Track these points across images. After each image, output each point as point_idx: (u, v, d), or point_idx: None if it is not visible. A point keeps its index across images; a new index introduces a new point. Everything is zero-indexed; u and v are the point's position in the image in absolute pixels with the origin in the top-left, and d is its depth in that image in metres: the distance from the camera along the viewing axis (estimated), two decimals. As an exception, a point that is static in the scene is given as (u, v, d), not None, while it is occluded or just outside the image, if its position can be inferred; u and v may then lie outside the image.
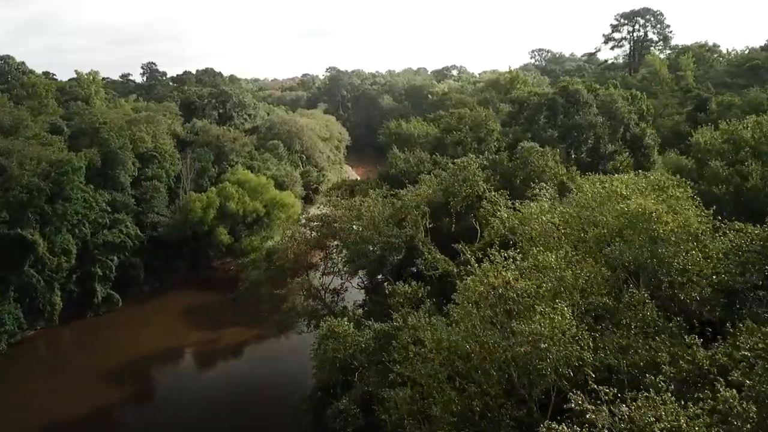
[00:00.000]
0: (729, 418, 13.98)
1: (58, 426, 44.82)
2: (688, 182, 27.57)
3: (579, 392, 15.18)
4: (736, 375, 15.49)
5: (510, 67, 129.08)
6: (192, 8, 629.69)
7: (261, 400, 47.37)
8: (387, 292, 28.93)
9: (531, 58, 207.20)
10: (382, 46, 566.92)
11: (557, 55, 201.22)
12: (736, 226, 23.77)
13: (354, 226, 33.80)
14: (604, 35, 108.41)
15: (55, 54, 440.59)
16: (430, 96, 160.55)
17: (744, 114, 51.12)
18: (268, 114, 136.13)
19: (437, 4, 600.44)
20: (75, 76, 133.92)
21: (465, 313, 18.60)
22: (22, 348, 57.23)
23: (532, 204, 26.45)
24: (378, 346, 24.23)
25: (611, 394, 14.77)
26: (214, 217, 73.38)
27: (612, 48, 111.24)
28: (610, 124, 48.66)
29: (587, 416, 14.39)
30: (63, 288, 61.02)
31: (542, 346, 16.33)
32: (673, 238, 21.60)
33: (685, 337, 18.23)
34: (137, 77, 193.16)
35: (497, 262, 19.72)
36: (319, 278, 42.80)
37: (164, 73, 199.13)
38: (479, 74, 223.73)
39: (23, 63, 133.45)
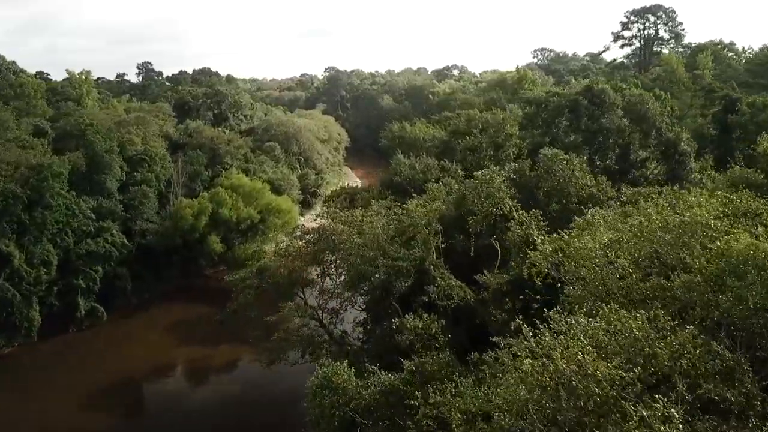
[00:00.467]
0: None
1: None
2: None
3: None
4: None
5: (518, 66, 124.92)
6: (192, 8, 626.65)
7: (252, 428, 43.70)
8: (393, 326, 24.98)
9: (533, 57, 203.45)
10: (381, 45, 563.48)
11: (560, 55, 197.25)
12: None
13: (355, 241, 29.74)
14: (613, 33, 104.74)
15: (55, 54, 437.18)
16: (431, 96, 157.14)
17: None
18: (266, 114, 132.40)
19: (437, 3, 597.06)
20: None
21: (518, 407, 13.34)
22: (-4, 366, 53.35)
23: (584, 235, 21.06)
24: (386, 402, 20.24)
25: None
26: (206, 224, 69.45)
27: (622, 46, 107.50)
28: (640, 127, 44.44)
29: None
30: (43, 302, 57.04)
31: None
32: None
33: None
34: (134, 77, 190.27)
35: (557, 330, 14.70)
36: (316, 297, 38.86)
37: (160, 73, 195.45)
38: (480, 74, 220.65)
39: (14, 62, 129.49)
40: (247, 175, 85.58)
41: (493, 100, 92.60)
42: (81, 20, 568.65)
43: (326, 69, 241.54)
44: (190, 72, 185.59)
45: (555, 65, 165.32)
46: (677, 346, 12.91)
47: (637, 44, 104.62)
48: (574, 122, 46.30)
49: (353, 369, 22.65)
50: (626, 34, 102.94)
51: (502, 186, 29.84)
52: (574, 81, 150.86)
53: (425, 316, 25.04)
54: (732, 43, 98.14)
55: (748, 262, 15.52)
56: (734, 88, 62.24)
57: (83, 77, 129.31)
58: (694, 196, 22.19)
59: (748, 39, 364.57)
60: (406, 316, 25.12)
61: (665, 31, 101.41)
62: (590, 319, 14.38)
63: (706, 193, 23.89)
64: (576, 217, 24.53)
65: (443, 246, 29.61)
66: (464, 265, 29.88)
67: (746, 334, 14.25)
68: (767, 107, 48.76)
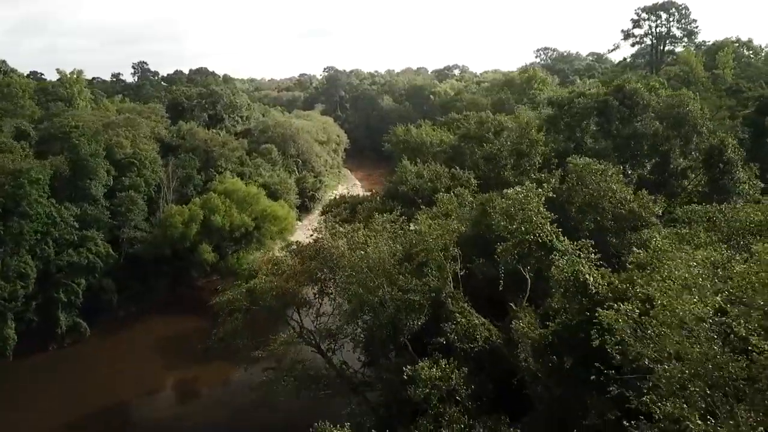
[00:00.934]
0: None
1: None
2: None
3: None
4: None
5: (526, 65, 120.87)
6: (192, 8, 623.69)
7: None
8: (405, 376, 20.90)
9: (536, 57, 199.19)
10: (380, 45, 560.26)
11: (564, 54, 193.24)
12: None
13: (357, 264, 25.51)
14: (623, 31, 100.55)
15: (55, 54, 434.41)
16: (432, 96, 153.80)
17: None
18: (264, 115, 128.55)
19: (437, 3, 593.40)
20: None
21: None
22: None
23: (674, 274, 16.19)
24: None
25: None
26: (197, 232, 65.39)
27: (633, 45, 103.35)
28: (678, 132, 39.89)
29: None
30: (20, 317, 53.04)
31: None
32: None
33: None
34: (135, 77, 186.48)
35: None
36: (313, 320, 34.89)
37: (156, 73, 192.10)
38: (480, 73, 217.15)
39: (4, 62, 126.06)
40: (242, 179, 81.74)
41: (501, 100, 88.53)
42: (81, 20, 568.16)
43: (325, 69, 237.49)
44: (186, 72, 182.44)
45: (559, 65, 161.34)
46: None
47: (648, 42, 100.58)
48: (605, 126, 41.89)
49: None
50: (637, 32, 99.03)
51: (541, 208, 24.86)
52: (579, 81, 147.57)
53: (443, 363, 21.06)
54: (750, 41, 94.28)
55: None
56: (764, 88, 58.20)
57: (74, 77, 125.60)
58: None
59: (761, 37, 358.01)
60: (421, 363, 21.06)
61: (677, 28, 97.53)
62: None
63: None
64: (635, 249, 20.23)
65: (462, 273, 25.40)
66: (483, 293, 25.81)
67: None
68: (808, 110, 44.69)
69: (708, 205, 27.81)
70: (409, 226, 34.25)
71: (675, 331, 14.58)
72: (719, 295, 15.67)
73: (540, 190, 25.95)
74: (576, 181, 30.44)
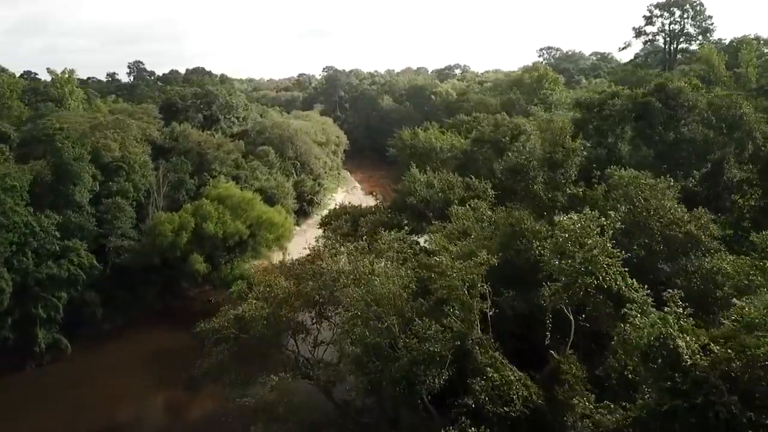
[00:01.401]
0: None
1: None
2: None
3: None
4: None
5: (532, 63, 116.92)
6: (192, 8, 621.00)
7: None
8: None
9: (539, 56, 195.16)
10: (380, 45, 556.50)
11: (568, 53, 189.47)
12: None
13: (362, 298, 21.35)
14: (634, 28, 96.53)
15: (55, 54, 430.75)
16: (433, 97, 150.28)
17: None
18: (262, 116, 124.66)
19: (437, 3, 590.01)
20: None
21: None
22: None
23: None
24: None
25: None
26: (188, 241, 61.44)
27: (645, 43, 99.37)
28: (730, 137, 35.23)
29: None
30: (-6, 335, 49.23)
31: None
32: None
33: None
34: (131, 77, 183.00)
35: None
36: (311, 349, 31.01)
37: (152, 73, 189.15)
38: (481, 73, 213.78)
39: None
40: (237, 183, 78.00)
41: (510, 101, 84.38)
42: (81, 20, 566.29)
43: (324, 69, 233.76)
44: (183, 71, 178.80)
45: (564, 64, 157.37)
46: None
47: (661, 40, 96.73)
48: (646, 131, 37.28)
49: None
50: (649, 29, 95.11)
51: (607, 244, 19.62)
52: (585, 81, 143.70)
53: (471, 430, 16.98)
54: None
55: None
56: (798, 87, 54.28)
57: (66, 76, 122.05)
58: None
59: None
60: (443, 432, 16.93)
61: (692, 26, 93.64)
62: None
63: None
64: (736, 301, 15.70)
65: (491, 313, 20.92)
66: (512, 332, 21.65)
67: None
68: None
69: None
70: (419, 242, 30.39)
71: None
72: None
73: (604, 219, 20.90)
74: (621, 198, 26.19)
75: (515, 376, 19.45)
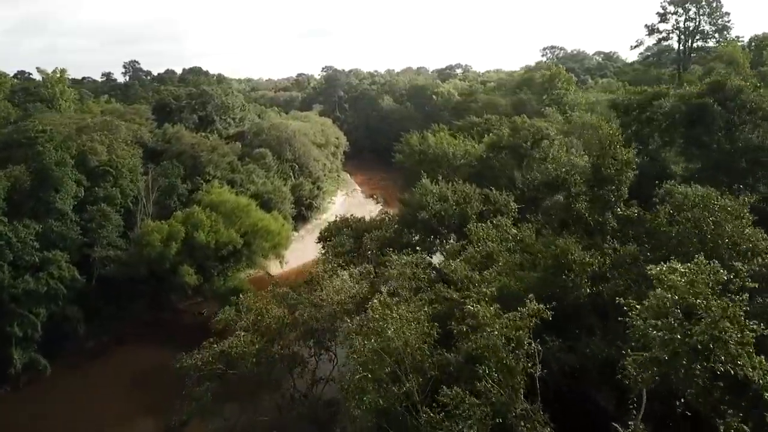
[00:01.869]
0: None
1: None
2: None
3: None
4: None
5: (544, 61, 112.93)
6: (192, 8, 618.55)
7: None
8: None
9: (543, 56, 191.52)
10: (380, 45, 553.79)
11: (572, 53, 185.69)
12: None
13: (369, 348, 17.31)
14: (647, 26, 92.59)
15: (55, 54, 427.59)
16: (435, 97, 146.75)
17: None
18: (260, 116, 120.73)
19: (437, 2, 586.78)
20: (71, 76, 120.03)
21: None
22: None
23: None
24: None
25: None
26: (178, 251, 57.50)
27: (658, 41, 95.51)
28: None
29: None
30: (-35, 356, 45.33)
31: None
32: None
33: None
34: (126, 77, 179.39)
35: None
36: (309, 385, 27.18)
37: (148, 72, 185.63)
38: (483, 73, 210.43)
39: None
40: (232, 187, 74.14)
41: (521, 101, 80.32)
42: (81, 20, 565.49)
43: (323, 68, 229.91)
44: (179, 71, 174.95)
45: (569, 63, 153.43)
46: None
47: (675, 38, 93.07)
48: (703, 138, 32.58)
49: None
50: (662, 27, 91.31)
51: (737, 312, 13.94)
52: (591, 80, 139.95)
53: None
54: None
55: None
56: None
57: (57, 76, 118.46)
58: None
59: None
60: None
61: (707, 23, 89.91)
62: None
63: None
64: None
65: (538, 374, 16.45)
66: (556, 390, 17.43)
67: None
68: None
69: None
70: (431, 262, 26.53)
71: None
72: None
73: (722, 271, 15.97)
74: (685, 221, 21.86)
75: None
